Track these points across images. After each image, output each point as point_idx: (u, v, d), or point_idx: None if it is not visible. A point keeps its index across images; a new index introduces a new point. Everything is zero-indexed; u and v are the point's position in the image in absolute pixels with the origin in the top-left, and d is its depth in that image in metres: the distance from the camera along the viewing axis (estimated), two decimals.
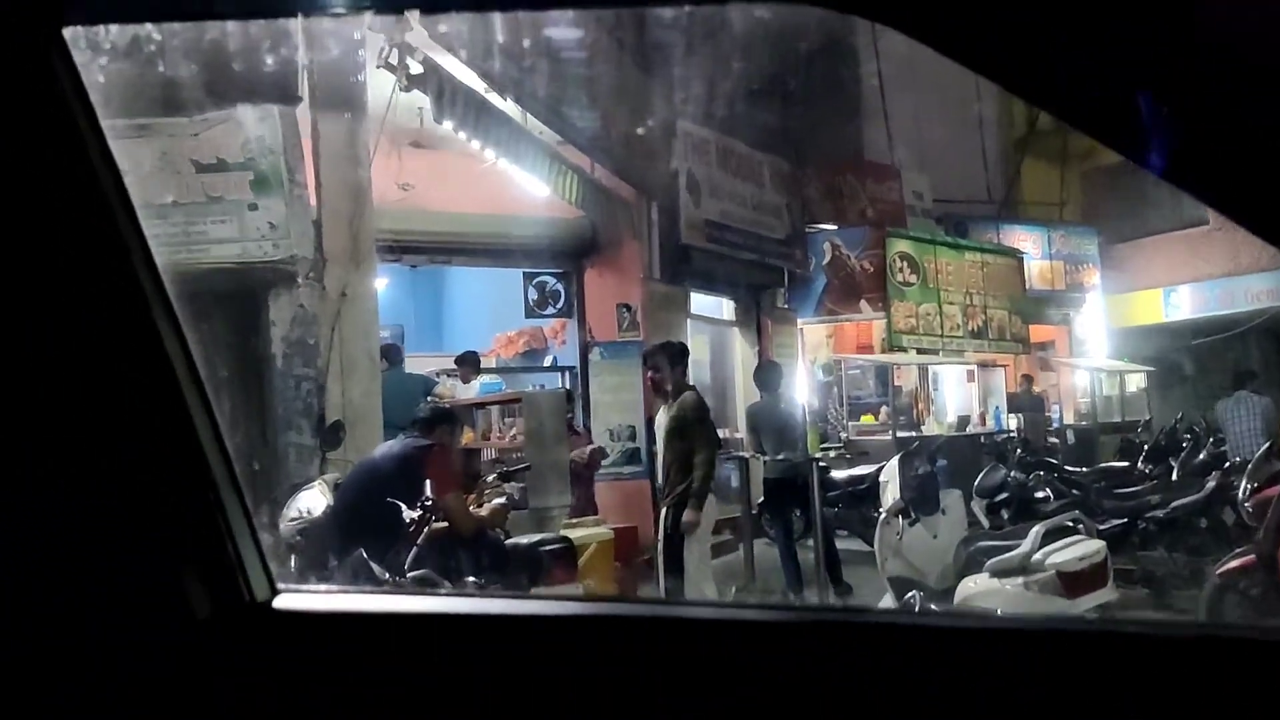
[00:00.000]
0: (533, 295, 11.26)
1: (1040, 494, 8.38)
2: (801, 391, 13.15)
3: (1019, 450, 10.08)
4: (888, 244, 14.36)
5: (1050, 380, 17.56)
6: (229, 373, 7.03)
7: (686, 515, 6.75)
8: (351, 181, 7.71)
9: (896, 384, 13.78)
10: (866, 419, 13.46)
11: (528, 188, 9.61)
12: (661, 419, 7.50)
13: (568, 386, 10.68)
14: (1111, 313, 18.60)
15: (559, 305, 11.30)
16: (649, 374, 7.14)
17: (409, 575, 4.36)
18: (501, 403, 8.59)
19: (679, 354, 7.07)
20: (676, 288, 11.49)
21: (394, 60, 6.88)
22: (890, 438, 12.18)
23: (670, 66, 10.24)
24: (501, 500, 5.87)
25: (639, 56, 9.36)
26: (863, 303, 14.43)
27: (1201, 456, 9.79)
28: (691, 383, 7.23)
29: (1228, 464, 8.71)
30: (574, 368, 11.24)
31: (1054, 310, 18.28)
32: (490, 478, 6.35)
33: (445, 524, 5.02)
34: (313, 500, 5.82)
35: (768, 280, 13.44)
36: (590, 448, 8.83)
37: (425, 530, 4.64)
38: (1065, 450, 13.42)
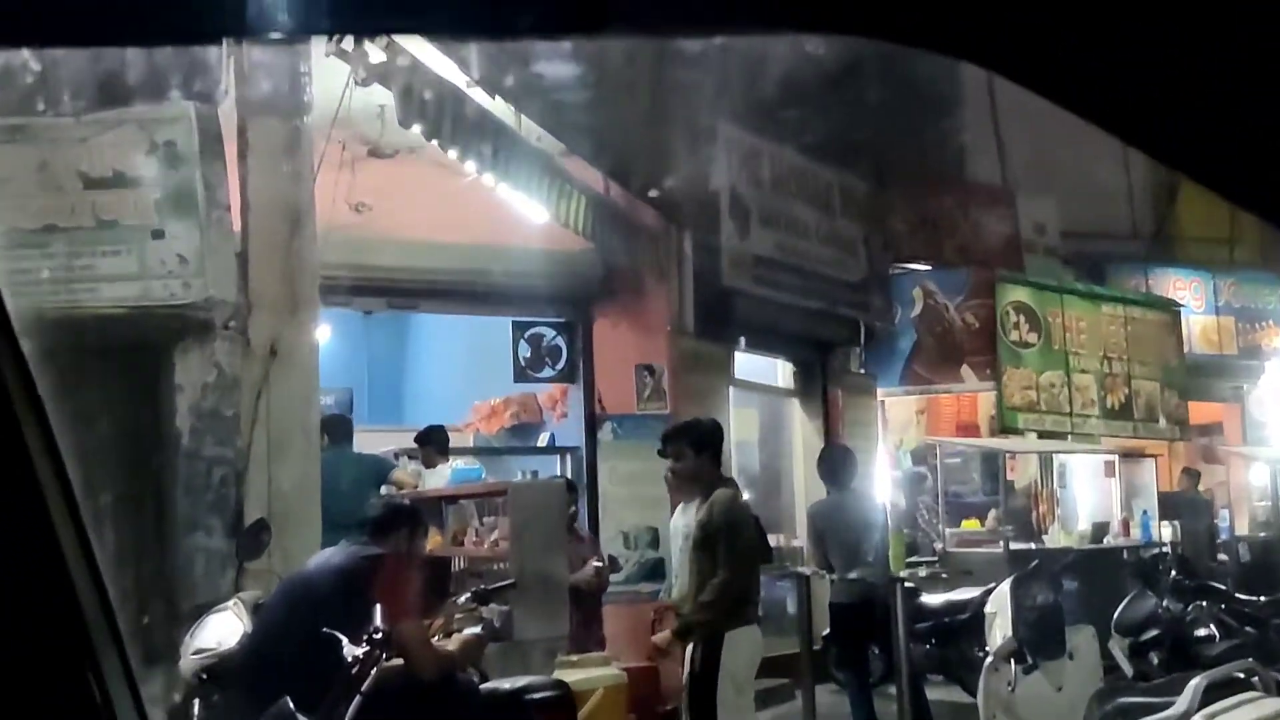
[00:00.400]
0: (525, 352, 11.31)
1: (1202, 632, 8.32)
2: (882, 487, 13.09)
3: (1174, 571, 9.98)
4: (999, 291, 14.38)
5: (1217, 476, 17.41)
6: (115, 454, 7.07)
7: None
8: (289, 201, 7.79)
9: (1010, 478, 13.71)
10: (969, 525, 13.37)
11: (520, 211, 9.69)
12: (679, 522, 7.45)
13: (569, 475, 10.67)
14: None
15: (559, 366, 11.34)
16: (668, 464, 7.04)
17: None
18: (480, 496, 8.59)
19: (708, 436, 6.95)
20: (716, 345, 11.54)
21: (348, 46, 6.99)
22: (1001, 551, 12.08)
23: (709, 51, 10.36)
24: (476, 630, 5.84)
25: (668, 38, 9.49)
26: (965, 368, 14.42)
27: None
28: (731, 474, 7.18)
29: None
30: (578, 449, 11.27)
31: (1222, 382, 18.20)
32: (463, 598, 6.33)
33: (401, 662, 5.00)
34: (224, 628, 5.81)
35: (838, 337, 13.46)
36: (595, 562, 8.80)
37: (373, 671, 4.63)
38: (1237, 572, 13.24)
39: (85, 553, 1.12)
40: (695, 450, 6.77)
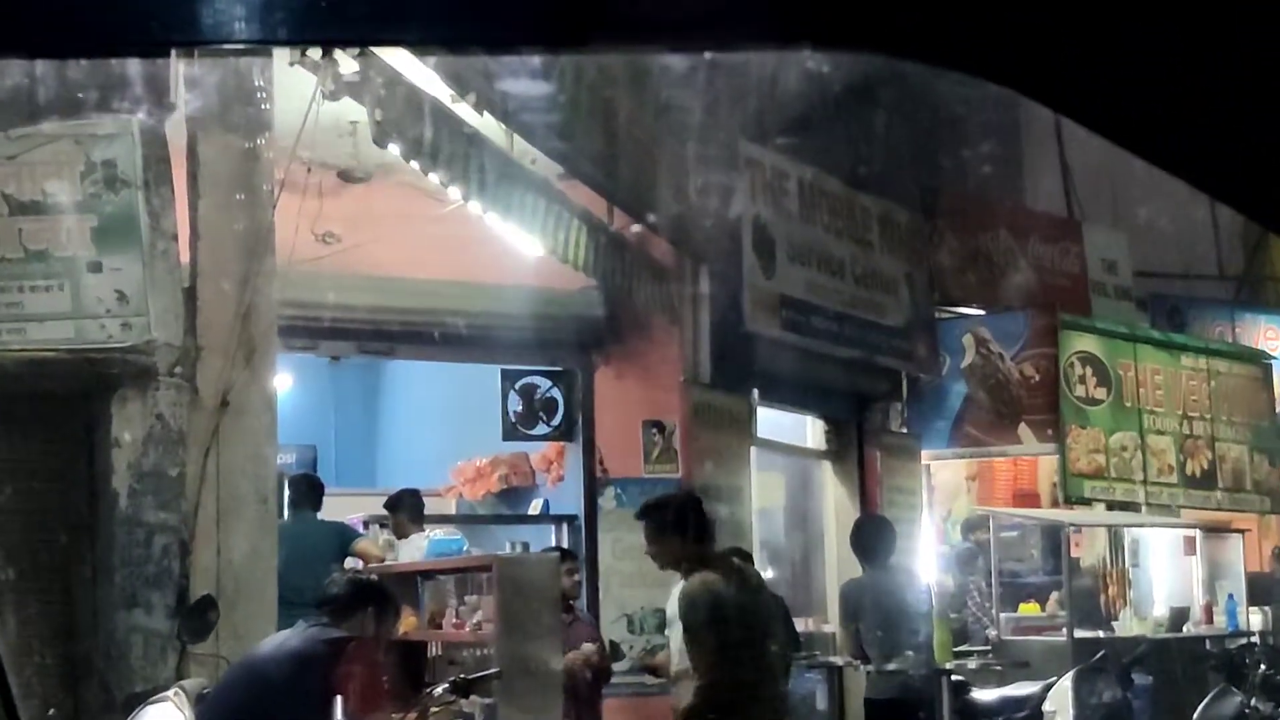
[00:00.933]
0: (516, 405, 11.36)
1: None
2: (926, 564, 13.06)
3: (1264, 665, 9.97)
4: (1062, 339, 14.38)
5: None
6: (41, 516, 7.08)
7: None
8: (245, 231, 7.85)
9: (1074, 555, 13.66)
10: (1028, 609, 13.33)
11: (512, 244, 9.74)
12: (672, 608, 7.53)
13: (566, 546, 10.67)
14: None
15: (555, 422, 11.39)
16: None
17: None
18: (462, 571, 8.59)
19: (676, 515, 7.02)
20: (736, 398, 11.56)
21: (315, 54, 7.04)
22: (1064, 640, 12.00)
23: (729, 63, 10.42)
24: None
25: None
26: (1023, 428, 14.40)
27: None
28: (751, 548, 7.19)
29: None
30: (576, 518, 11.30)
31: None
32: (440, 689, 6.34)
33: None
34: None
35: (876, 390, 13.49)
36: (595, 646, 8.78)
37: None
38: None
39: None
40: (659, 530, 6.87)
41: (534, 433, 11.46)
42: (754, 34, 0.99)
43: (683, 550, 6.91)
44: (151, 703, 6.02)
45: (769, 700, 6.90)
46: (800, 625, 10.82)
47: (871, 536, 9.65)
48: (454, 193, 8.72)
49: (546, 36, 1.04)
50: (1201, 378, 15.75)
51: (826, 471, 13.60)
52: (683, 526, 6.94)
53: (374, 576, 7.91)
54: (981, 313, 14.74)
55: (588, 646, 8.60)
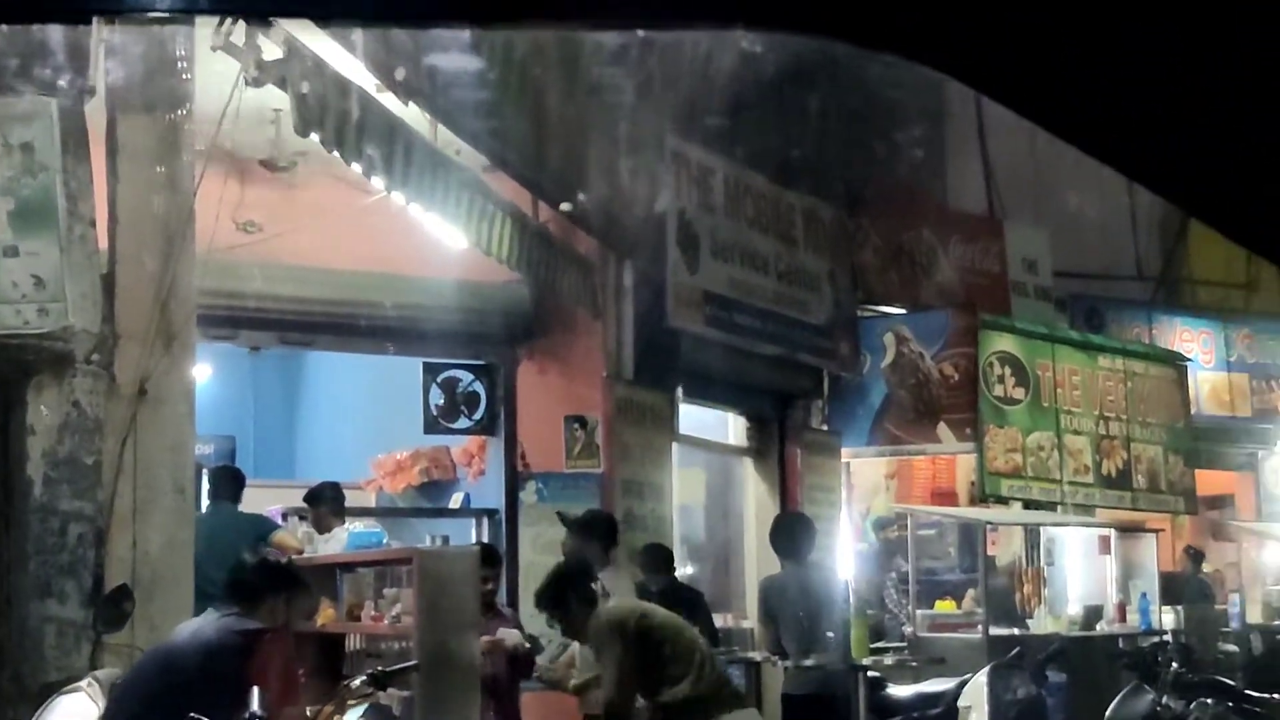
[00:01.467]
0: (437, 399, 11.35)
1: None
2: (845, 561, 13.13)
3: (1175, 663, 10.09)
4: (982, 339, 14.49)
5: (1227, 556, 17.58)
6: None
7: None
8: (165, 216, 7.78)
9: (991, 554, 13.78)
10: (944, 606, 13.43)
11: (436, 236, 9.71)
12: None
13: (486, 540, 10.66)
14: None
15: (476, 416, 11.39)
16: None
17: None
18: (381, 564, 8.55)
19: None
20: (658, 394, 11.59)
21: (238, 39, 7.00)
22: (979, 637, 12.11)
23: (654, 55, 10.44)
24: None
25: (608, 35, 9.53)
26: (942, 427, 14.50)
27: None
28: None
29: None
30: (496, 512, 11.31)
31: (1233, 448, 18.42)
32: (357, 681, 6.29)
33: None
34: (76, 711, 5.76)
35: (798, 388, 13.56)
36: (515, 638, 8.75)
37: None
38: (1247, 665, 13.35)
39: None
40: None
41: (456, 426, 11.46)
42: (686, 13, 0.99)
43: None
44: (65, 693, 5.96)
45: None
46: (720, 621, 10.85)
47: (790, 533, 9.70)
48: (377, 183, 8.67)
49: (474, 12, 1.03)
50: (1118, 379, 15.92)
51: (748, 468, 13.65)
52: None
53: (286, 562, 7.85)
54: (903, 311, 14.84)
55: (508, 633, 8.57)
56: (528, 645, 8.95)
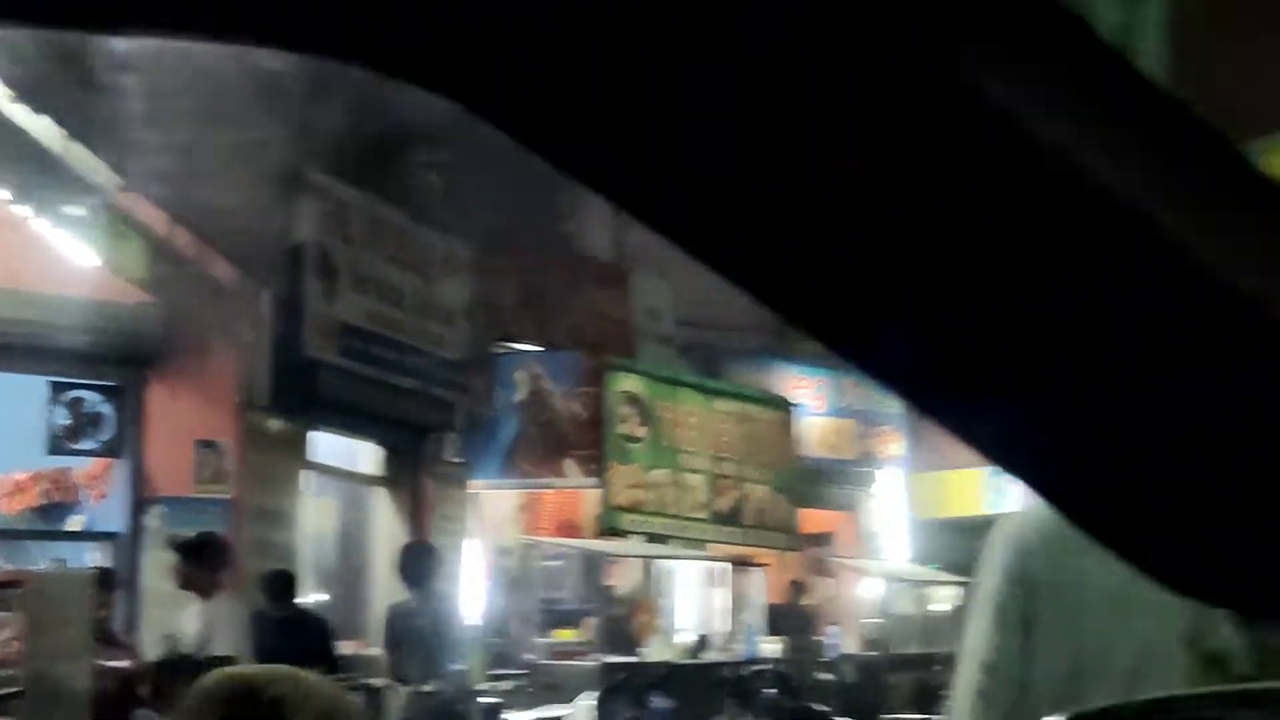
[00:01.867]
0: (61, 418, 10.91)
1: None
2: (471, 590, 13.17)
3: (773, 689, 10.47)
4: (609, 380, 14.80)
5: (828, 590, 18.32)
6: None
7: None
8: None
9: (612, 584, 14.06)
10: (563, 634, 13.62)
11: (64, 253, 9.41)
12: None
13: (107, 565, 10.29)
14: (917, 498, 19.79)
15: (102, 437, 11.02)
16: None
17: None
18: None
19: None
20: (292, 422, 11.50)
21: None
22: (593, 663, 12.30)
23: (294, 82, 10.32)
24: None
25: (248, 59, 9.40)
26: (569, 462, 14.74)
27: None
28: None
29: None
30: (119, 535, 10.99)
31: (837, 489, 19.25)
32: None
33: None
34: None
35: (432, 420, 13.55)
36: (130, 666, 8.45)
37: None
38: (840, 692, 13.92)
39: None
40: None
41: (80, 447, 11.05)
42: (189, 24, 0.94)
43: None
44: None
45: None
46: (349, 648, 10.78)
47: (415, 562, 9.71)
48: (1, 195, 8.33)
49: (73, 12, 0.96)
50: (733, 421, 16.43)
51: (381, 497, 13.61)
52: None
53: None
54: (538, 350, 15.01)
55: (120, 665, 8.30)
56: (146, 674, 8.68)
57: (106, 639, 8.31)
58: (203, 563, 8.33)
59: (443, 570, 10.13)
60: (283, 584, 9.32)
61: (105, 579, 8.56)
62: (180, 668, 7.81)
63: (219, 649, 7.76)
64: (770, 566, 16.58)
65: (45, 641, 7.61)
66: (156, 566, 10.56)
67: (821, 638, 16.36)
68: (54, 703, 7.34)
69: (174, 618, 10.29)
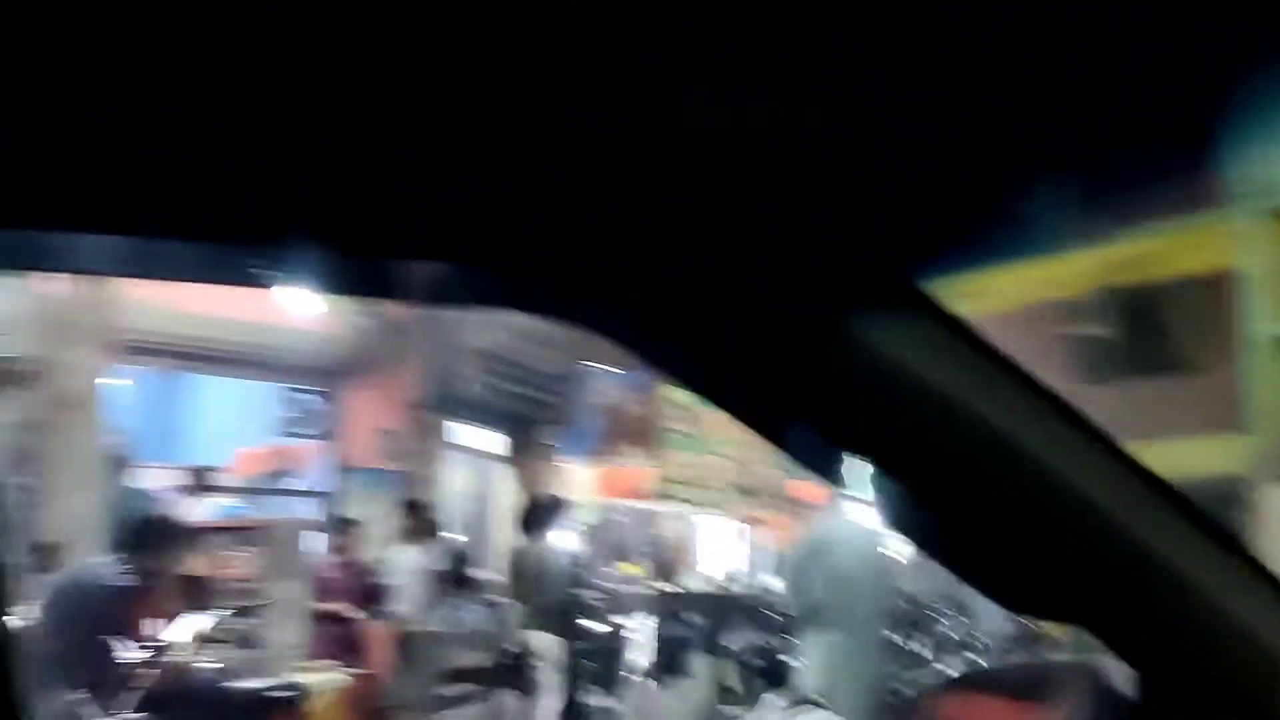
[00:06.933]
0: (288, 412, 11.13)
1: (794, 661, 8.72)
2: (566, 536, 13.29)
3: (776, 613, 10.41)
4: (663, 391, 14.84)
5: None
6: None
7: None
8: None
9: (661, 534, 14.11)
10: (628, 568, 13.70)
11: (291, 297, 9.57)
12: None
13: (320, 517, 10.49)
14: None
15: (315, 425, 11.20)
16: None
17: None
18: (242, 529, 8.41)
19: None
20: (443, 416, 11.58)
21: None
22: (650, 590, 12.35)
23: None
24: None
25: None
26: (634, 447, 14.81)
27: (951, 632, 10.40)
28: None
29: (976, 640, 9.34)
30: (329, 494, 11.09)
31: None
32: (226, 614, 6.22)
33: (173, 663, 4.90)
34: None
35: (538, 415, 13.68)
36: (363, 581, 8.55)
37: (151, 672, 4.54)
38: None
39: None
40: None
41: (300, 432, 11.25)
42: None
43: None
44: None
45: None
46: (479, 574, 10.88)
47: (531, 518, 9.75)
48: None
49: None
50: None
51: (502, 470, 13.73)
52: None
53: (170, 523, 7.61)
54: (613, 370, 15.11)
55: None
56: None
57: (350, 560, 8.41)
58: (413, 518, 8.32)
59: (549, 524, 10.17)
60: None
61: (349, 523, 8.64)
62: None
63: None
64: (775, 524, 16.52)
65: (280, 568, 7.79)
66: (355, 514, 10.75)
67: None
68: (286, 609, 7.48)
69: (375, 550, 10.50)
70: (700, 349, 0.99)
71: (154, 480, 10.04)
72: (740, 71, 0.87)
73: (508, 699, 9.41)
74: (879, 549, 6.05)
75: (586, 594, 11.71)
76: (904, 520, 1.02)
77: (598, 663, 9.84)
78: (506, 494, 13.47)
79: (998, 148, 1.00)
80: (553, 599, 8.96)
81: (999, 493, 0.94)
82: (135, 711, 4.42)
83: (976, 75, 0.89)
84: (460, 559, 9.52)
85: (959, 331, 0.94)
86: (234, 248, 0.95)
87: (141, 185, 0.86)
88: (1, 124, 0.81)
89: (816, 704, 5.68)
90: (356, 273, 0.99)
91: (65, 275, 6.55)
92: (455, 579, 8.93)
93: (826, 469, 1.06)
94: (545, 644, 8.66)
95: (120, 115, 0.83)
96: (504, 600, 9.66)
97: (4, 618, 1.03)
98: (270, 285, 1.07)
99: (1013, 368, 0.94)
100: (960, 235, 1.12)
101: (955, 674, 8.10)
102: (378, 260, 0.96)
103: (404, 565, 8.11)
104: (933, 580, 13.43)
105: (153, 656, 4.72)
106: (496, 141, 0.87)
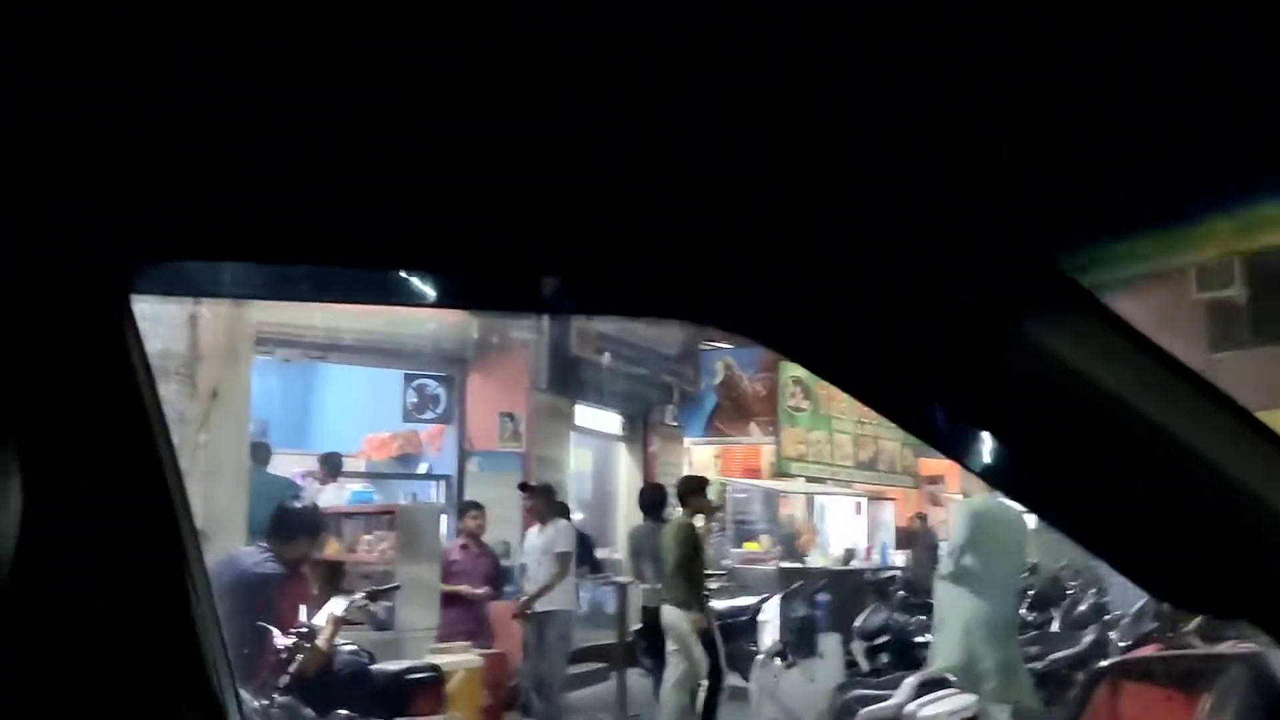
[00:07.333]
0: (412, 398, 11.29)
1: (922, 639, 8.63)
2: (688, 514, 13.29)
3: (903, 590, 10.29)
4: (781, 367, 14.77)
5: (940, 516, 18.06)
6: None
7: None
8: None
9: (784, 512, 14.06)
10: (750, 546, 13.68)
11: None
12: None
13: (442, 500, 10.67)
14: None
15: (438, 410, 11.34)
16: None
17: (275, 701, 4.41)
18: (372, 514, 8.59)
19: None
20: (562, 399, 11.66)
21: None
22: (773, 568, 12.36)
23: None
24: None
25: None
26: (752, 425, 14.76)
27: (1082, 607, 10.18)
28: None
29: (1108, 616, 9.11)
30: (450, 477, 11.24)
31: None
32: (358, 596, 6.37)
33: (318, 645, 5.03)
34: None
35: (657, 396, 13.73)
36: (488, 563, 8.65)
37: (299, 656, 4.67)
38: None
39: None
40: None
41: (423, 417, 11.40)
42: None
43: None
44: None
45: None
46: (600, 553, 10.98)
47: (650, 499, 9.78)
48: None
49: None
50: None
51: (621, 450, 13.80)
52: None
53: (311, 510, 7.82)
54: (730, 347, 15.10)
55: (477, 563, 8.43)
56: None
57: (480, 550, 8.40)
58: (541, 500, 8.40)
59: (668, 504, 10.20)
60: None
61: (475, 506, 8.66)
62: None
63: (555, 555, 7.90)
64: (898, 500, 16.39)
65: (409, 551, 7.95)
66: (474, 497, 10.91)
67: (936, 550, 16.10)
68: (417, 592, 7.59)
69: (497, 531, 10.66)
70: (841, 338, 0.99)
71: (290, 468, 10.35)
72: (892, 75, 0.87)
73: (634, 677, 9.50)
74: (1022, 524, 5.97)
75: (711, 572, 11.76)
76: (1052, 508, 1.00)
77: (725, 641, 9.85)
78: (627, 474, 13.56)
79: (1139, 118, 0.97)
80: (676, 578, 8.99)
81: (1156, 484, 0.92)
82: (284, 695, 4.55)
83: (1117, 45, 0.88)
84: (585, 539, 9.58)
85: (1108, 319, 0.92)
86: (368, 269, 1.04)
87: (277, 216, 0.96)
88: (162, 171, 0.92)
89: (949, 683, 5.60)
90: (493, 289, 1.04)
91: (218, 299, 6.74)
92: (580, 559, 9.00)
93: (966, 454, 1.05)
94: (671, 622, 8.70)
95: (262, 161, 0.92)
96: (627, 579, 9.74)
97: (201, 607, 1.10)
98: (403, 304, 1.14)
99: (1168, 359, 0.92)
100: (1101, 211, 1.09)
101: (1089, 649, 7.91)
102: (513, 276, 1.01)
103: (532, 546, 8.17)
104: (1067, 555, 13.15)
105: (299, 641, 4.86)
106: (646, 154, 0.91)
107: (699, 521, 8.50)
